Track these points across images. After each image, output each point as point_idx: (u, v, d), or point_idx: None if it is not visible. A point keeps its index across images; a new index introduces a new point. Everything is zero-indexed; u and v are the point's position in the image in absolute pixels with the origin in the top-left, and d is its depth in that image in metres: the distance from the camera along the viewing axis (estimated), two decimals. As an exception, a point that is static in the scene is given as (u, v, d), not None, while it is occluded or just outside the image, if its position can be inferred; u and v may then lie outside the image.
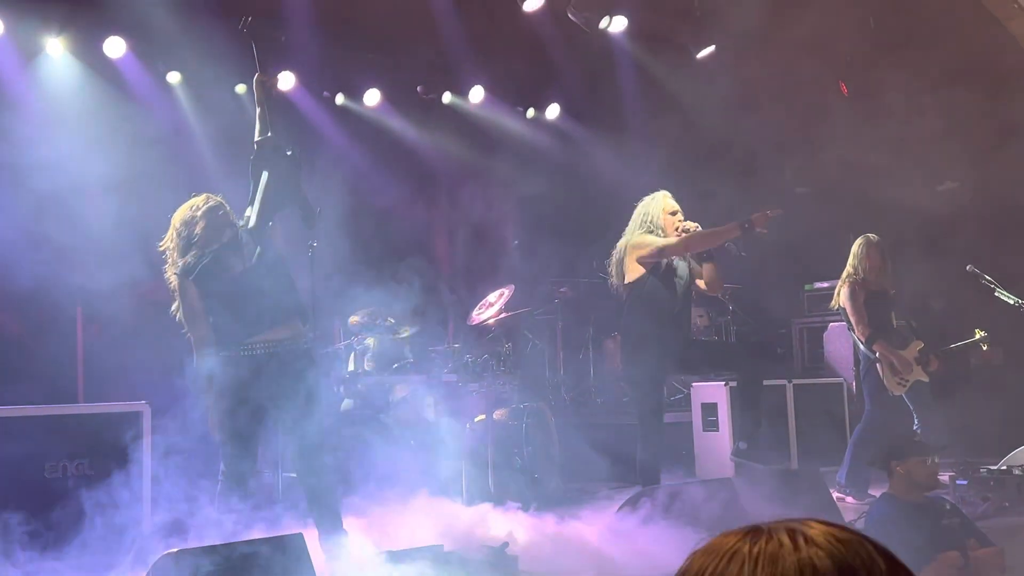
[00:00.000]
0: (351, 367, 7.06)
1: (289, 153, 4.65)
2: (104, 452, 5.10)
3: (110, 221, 7.20)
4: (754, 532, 0.97)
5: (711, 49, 9.27)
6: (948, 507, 5.03)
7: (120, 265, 7.26)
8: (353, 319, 7.02)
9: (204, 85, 7.99)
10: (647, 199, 6.06)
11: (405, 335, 7.30)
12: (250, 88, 8.28)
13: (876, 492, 5.64)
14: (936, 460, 4.73)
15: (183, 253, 4.56)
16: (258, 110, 4.71)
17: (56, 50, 7.39)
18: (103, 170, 7.30)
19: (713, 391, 7.77)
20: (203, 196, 4.70)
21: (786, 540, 0.94)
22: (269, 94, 4.69)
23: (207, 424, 4.56)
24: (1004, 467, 6.59)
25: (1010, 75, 8.65)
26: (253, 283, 4.41)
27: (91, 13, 7.22)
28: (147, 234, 6.99)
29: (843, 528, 0.96)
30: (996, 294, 7.55)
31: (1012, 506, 6.19)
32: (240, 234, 4.56)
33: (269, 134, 4.62)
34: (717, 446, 7.55)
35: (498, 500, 6.28)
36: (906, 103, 9.56)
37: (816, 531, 0.95)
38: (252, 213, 4.58)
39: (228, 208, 4.65)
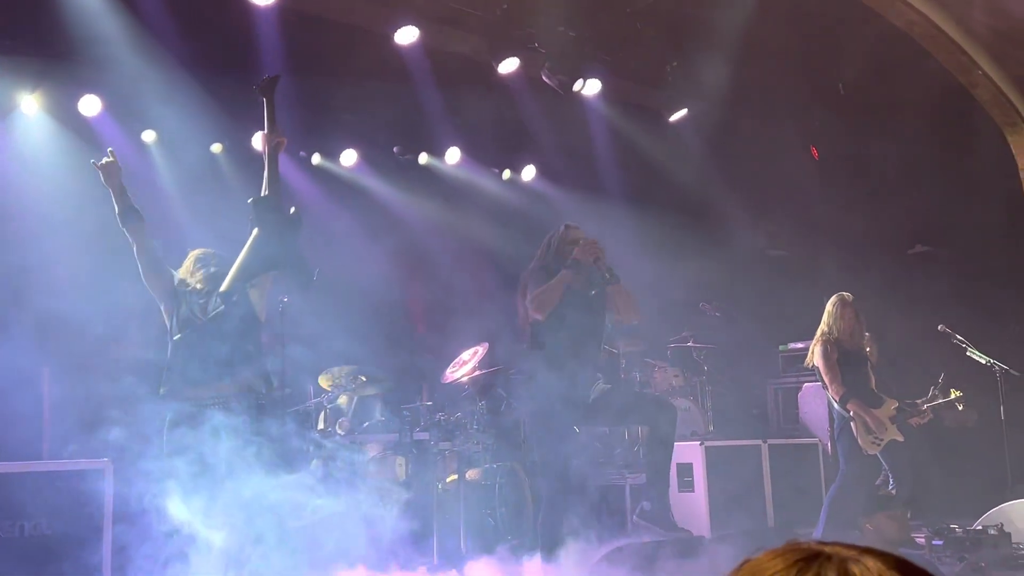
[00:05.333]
0: (321, 426, 6.97)
1: (292, 211, 4.69)
2: (63, 510, 4.97)
3: (83, 278, 7.15)
4: (804, 563, 0.92)
5: (683, 112, 9.41)
6: (923, 564, 4.98)
7: (91, 323, 7.19)
8: (324, 380, 6.95)
9: (180, 144, 8.00)
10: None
11: (377, 394, 7.22)
12: (226, 148, 8.38)
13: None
14: (904, 515, 4.70)
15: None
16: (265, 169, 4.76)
17: (31, 108, 7.40)
18: (76, 228, 7.27)
19: (689, 451, 7.71)
20: (198, 251, 4.91)
21: None
22: (273, 154, 4.72)
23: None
24: (980, 527, 6.55)
25: (976, 137, 8.82)
26: (209, 335, 4.40)
27: (66, 71, 7.24)
28: (119, 292, 6.97)
29: (902, 571, 0.91)
30: (968, 354, 7.59)
31: (988, 566, 6.14)
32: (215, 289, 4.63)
33: (263, 194, 4.67)
34: (693, 506, 7.48)
35: (469, 561, 6.16)
36: (877, 166, 9.71)
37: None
38: (229, 272, 4.64)
39: (216, 258, 4.78)
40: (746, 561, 0.96)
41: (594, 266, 5.58)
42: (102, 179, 4.88)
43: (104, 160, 4.86)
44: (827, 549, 0.93)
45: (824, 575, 0.90)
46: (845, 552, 0.92)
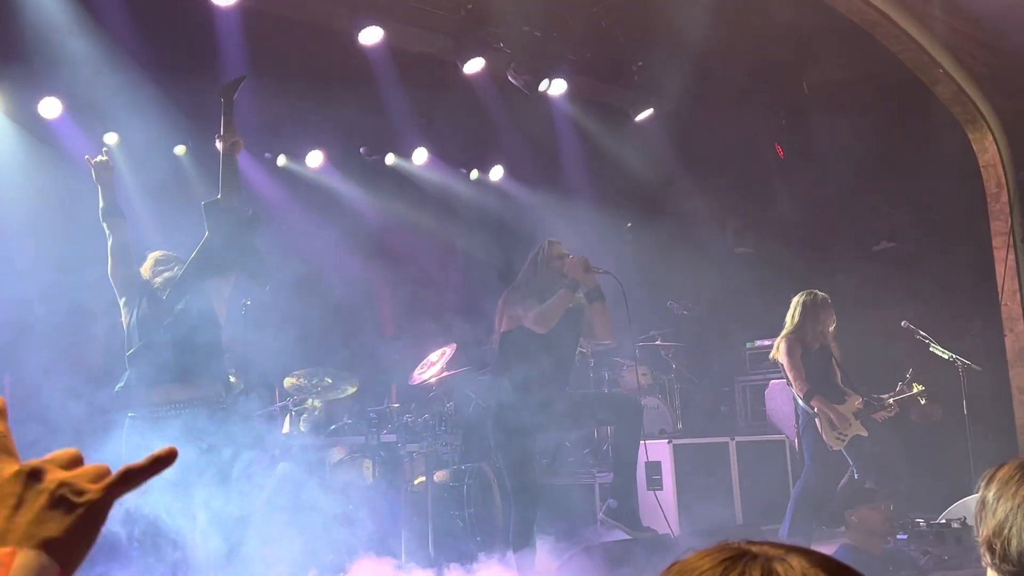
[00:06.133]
0: (286, 429, 6.93)
1: (250, 213, 4.68)
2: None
3: (44, 283, 7.06)
4: (730, 562, 0.93)
5: (649, 112, 9.44)
6: (905, 559, 5.02)
7: (53, 327, 7.10)
8: (289, 381, 6.90)
9: (142, 146, 7.91)
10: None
11: (344, 396, 7.19)
12: (190, 150, 8.30)
13: (819, 549, 5.61)
14: (888, 506, 4.75)
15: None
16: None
17: (-11, 111, 7.30)
18: (37, 233, 7.18)
19: (657, 449, 7.73)
20: (158, 252, 5.03)
21: None
22: (229, 156, 4.72)
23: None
24: (944, 520, 6.61)
25: (938, 135, 8.91)
26: (166, 340, 4.39)
27: (24, 73, 7.14)
28: (81, 297, 6.89)
29: (826, 569, 0.91)
30: (931, 349, 7.67)
31: (952, 560, 6.20)
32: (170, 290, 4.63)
33: (219, 196, 4.66)
34: (662, 504, 7.48)
35: (437, 563, 6.15)
36: (841, 164, 9.79)
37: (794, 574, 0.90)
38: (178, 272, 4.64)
39: (176, 261, 4.81)
40: (676, 562, 0.97)
41: (586, 276, 5.70)
42: (93, 176, 4.95)
43: (98, 158, 4.95)
44: (754, 548, 0.94)
45: (749, 574, 0.90)
46: (771, 551, 0.93)
